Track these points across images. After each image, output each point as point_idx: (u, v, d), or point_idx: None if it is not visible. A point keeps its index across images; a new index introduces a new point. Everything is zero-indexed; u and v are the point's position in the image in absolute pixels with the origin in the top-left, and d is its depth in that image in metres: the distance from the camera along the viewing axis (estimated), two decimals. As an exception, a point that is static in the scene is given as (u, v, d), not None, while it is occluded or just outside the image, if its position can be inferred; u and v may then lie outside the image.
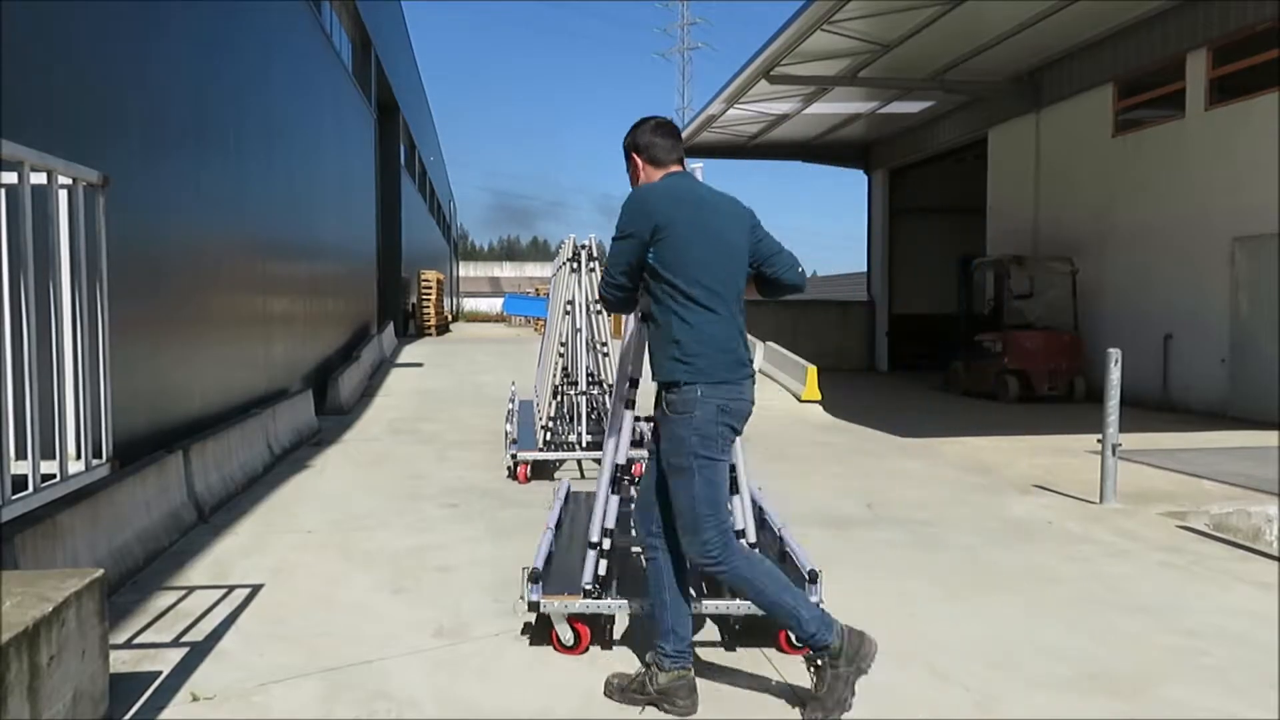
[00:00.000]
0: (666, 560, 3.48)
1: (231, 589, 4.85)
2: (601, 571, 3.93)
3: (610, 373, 7.66)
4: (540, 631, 4.03)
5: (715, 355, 3.27)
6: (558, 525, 4.92)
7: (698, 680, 3.44)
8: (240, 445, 7.89)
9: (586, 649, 3.91)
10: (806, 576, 3.95)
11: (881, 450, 10.05)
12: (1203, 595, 4.86)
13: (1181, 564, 5.44)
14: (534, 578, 3.92)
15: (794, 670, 3.68)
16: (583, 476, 8.04)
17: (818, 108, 19.58)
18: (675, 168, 3.53)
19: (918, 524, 6.42)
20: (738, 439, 3.56)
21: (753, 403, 3.41)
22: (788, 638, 3.86)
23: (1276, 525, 6.84)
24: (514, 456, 8.00)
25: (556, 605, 3.88)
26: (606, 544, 3.92)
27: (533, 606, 3.89)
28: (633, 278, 3.40)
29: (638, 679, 3.46)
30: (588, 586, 3.89)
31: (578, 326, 8.32)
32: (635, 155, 3.57)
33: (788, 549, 4.47)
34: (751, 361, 3.42)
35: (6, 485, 3.08)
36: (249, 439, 8.21)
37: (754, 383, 3.43)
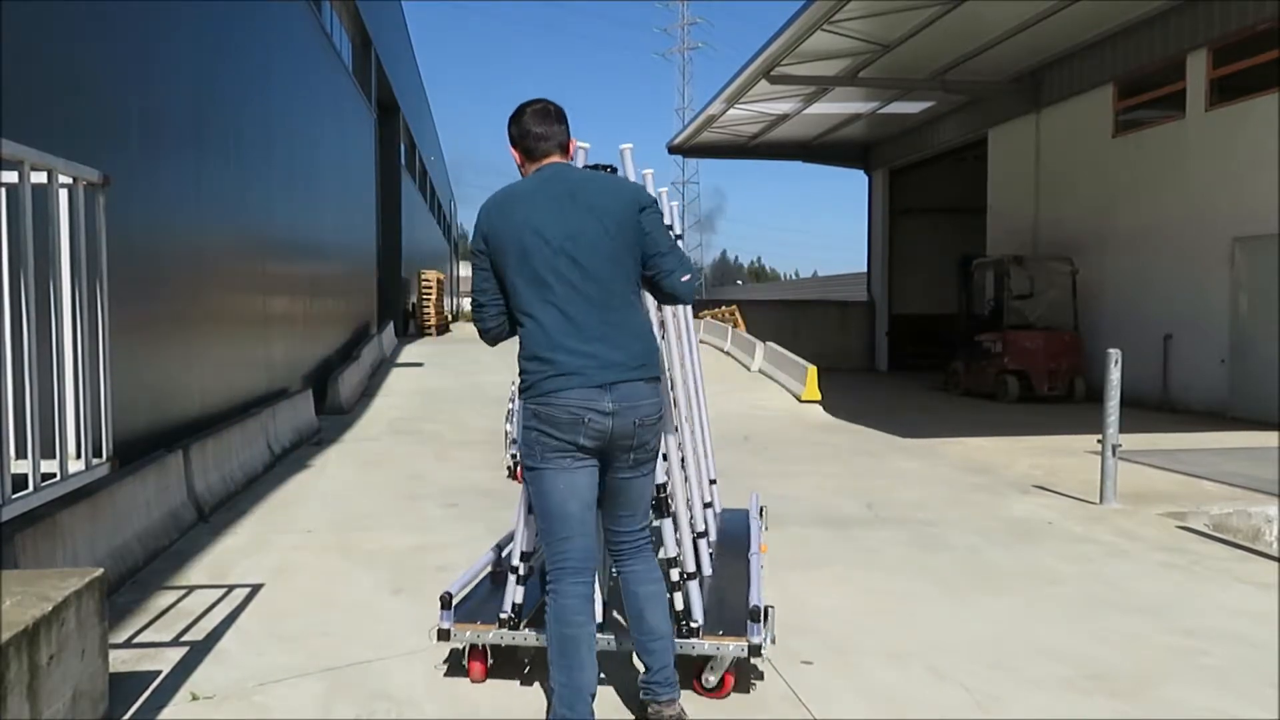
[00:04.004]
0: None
1: (231, 588, 4.85)
2: (519, 600, 3.55)
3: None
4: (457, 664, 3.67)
5: (529, 365, 2.96)
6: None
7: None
8: (240, 445, 7.88)
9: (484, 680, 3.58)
10: (749, 613, 3.44)
11: (881, 450, 10.04)
12: (1203, 595, 4.85)
13: (1181, 564, 5.44)
14: (445, 603, 3.56)
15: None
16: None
17: (818, 108, 19.59)
18: (552, 158, 3.09)
19: (918, 524, 6.41)
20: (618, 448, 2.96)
21: (590, 409, 2.89)
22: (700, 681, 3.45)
23: (1276, 525, 6.84)
24: (514, 456, 8.00)
25: (468, 635, 3.56)
26: (523, 570, 3.55)
27: (442, 635, 3.56)
28: (492, 296, 3.05)
29: None
30: (504, 616, 3.54)
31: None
32: (513, 149, 3.16)
33: (750, 577, 4.03)
34: (598, 364, 2.91)
35: (6, 485, 3.08)
36: (249, 438, 8.21)
37: (604, 388, 2.89)
